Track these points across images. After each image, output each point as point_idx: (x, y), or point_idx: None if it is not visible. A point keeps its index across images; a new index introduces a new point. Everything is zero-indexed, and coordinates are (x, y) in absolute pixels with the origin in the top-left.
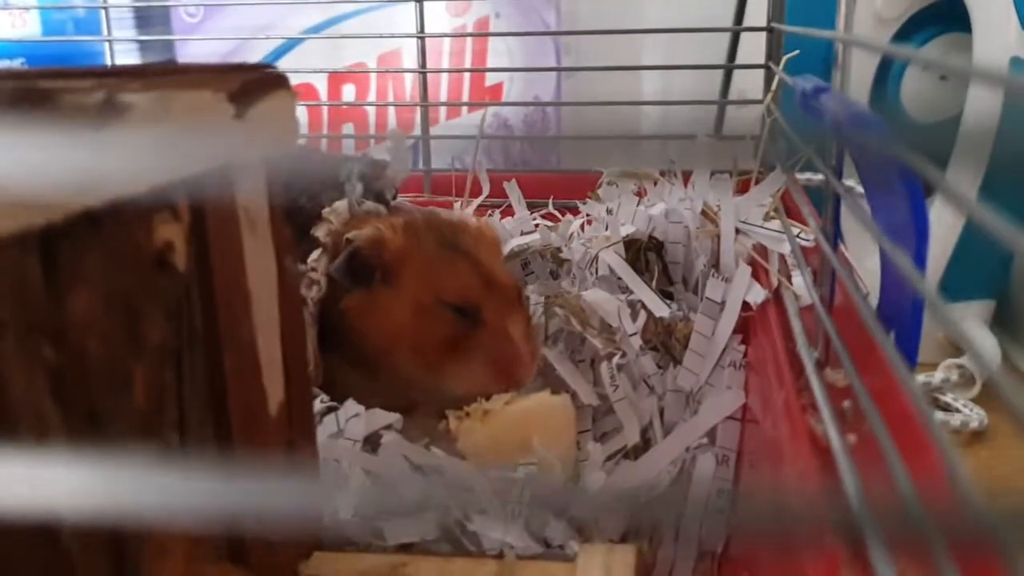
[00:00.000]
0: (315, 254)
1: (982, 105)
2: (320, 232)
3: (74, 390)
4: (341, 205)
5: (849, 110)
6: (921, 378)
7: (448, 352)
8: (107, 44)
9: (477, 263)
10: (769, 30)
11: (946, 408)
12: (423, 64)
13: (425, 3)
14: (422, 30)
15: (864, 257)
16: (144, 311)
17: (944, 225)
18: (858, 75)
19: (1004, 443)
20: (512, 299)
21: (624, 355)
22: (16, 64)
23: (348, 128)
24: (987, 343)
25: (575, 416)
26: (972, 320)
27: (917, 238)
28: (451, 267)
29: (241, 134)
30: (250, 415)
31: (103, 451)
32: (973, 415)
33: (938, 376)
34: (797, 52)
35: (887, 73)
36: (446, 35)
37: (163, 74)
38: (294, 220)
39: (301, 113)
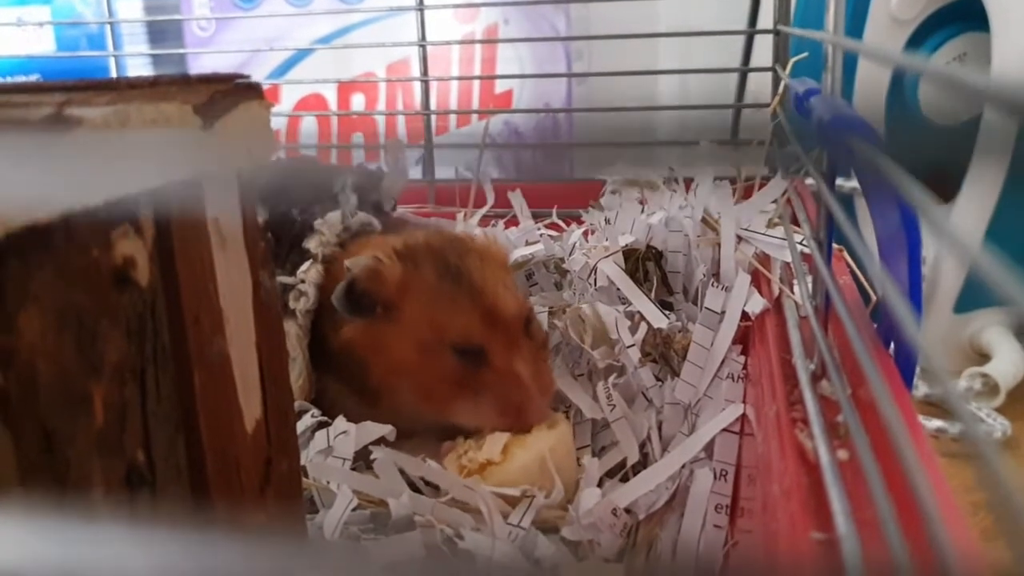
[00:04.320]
0: (305, 266)
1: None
2: (311, 244)
3: (24, 411)
4: (334, 216)
5: (833, 112)
6: None
7: (455, 392)
8: (118, 59)
9: (481, 295)
10: (776, 32)
11: None
12: (425, 72)
13: (433, 11)
14: (423, 38)
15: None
16: (101, 329)
17: (966, 227)
18: (875, 77)
19: None
20: (518, 333)
21: (622, 371)
22: (31, 80)
23: (358, 137)
24: (1012, 350)
25: (573, 445)
26: (997, 327)
27: (910, 245)
28: (453, 305)
29: (208, 146)
30: (224, 432)
31: (60, 474)
32: (997, 425)
33: (961, 385)
34: (806, 55)
35: (904, 75)
36: (447, 43)
37: (134, 87)
38: (286, 232)
39: (311, 123)
